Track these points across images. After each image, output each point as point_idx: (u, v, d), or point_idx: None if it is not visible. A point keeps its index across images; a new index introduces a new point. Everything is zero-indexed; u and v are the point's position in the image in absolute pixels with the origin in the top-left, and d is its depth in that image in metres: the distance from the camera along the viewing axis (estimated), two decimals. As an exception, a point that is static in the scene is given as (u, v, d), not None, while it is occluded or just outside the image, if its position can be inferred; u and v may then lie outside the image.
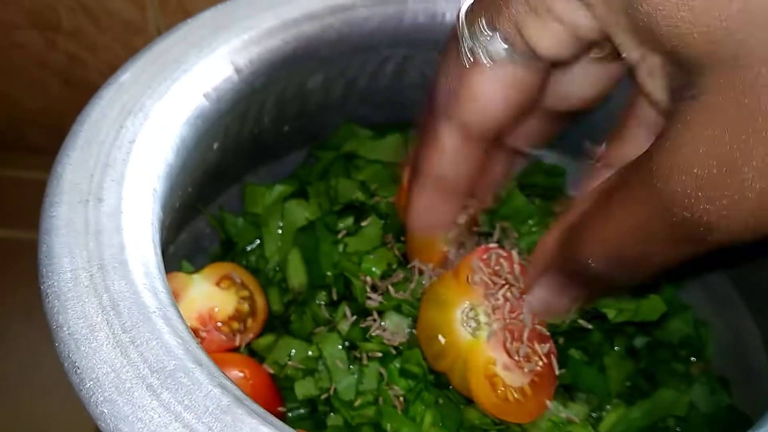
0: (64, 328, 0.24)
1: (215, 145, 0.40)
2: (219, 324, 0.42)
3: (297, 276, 0.44)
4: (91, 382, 0.22)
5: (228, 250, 0.46)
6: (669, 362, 0.44)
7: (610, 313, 0.42)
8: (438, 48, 0.46)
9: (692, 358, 0.44)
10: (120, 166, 0.30)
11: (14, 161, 0.65)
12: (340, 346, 0.39)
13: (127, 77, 0.34)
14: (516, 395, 0.37)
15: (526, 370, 0.38)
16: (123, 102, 0.33)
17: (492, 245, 0.41)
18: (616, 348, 0.43)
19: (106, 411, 0.22)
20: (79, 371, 0.23)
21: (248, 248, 0.45)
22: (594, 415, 0.40)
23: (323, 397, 0.39)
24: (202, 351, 0.25)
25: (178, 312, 0.26)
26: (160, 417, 0.22)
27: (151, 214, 0.29)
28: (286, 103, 0.44)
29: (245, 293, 0.44)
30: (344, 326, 0.41)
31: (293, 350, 0.40)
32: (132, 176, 0.30)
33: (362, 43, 0.43)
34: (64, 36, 0.69)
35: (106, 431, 0.22)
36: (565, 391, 0.41)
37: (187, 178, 0.37)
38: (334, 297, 0.44)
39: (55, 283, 0.25)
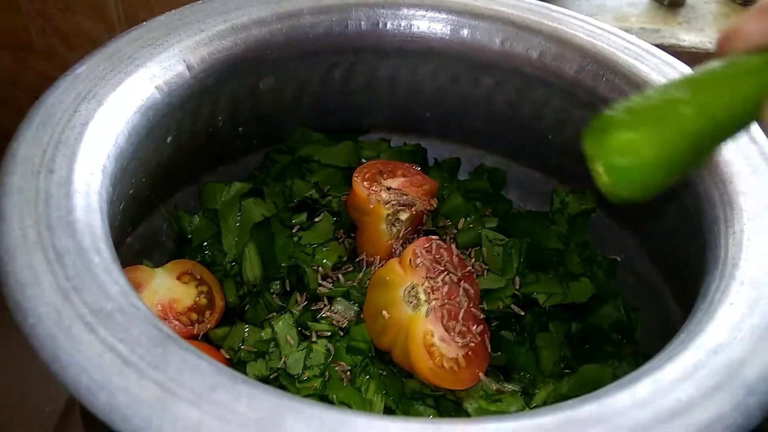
0: (11, 276, 0.26)
1: (168, 139, 0.42)
2: (178, 314, 0.44)
3: (252, 269, 0.46)
4: (33, 319, 0.24)
5: (182, 246, 0.48)
6: (601, 345, 0.46)
7: (541, 298, 0.45)
8: (381, 54, 0.50)
9: (624, 341, 0.47)
10: (72, 144, 0.32)
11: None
12: (291, 324, 0.41)
13: (83, 69, 0.37)
14: (451, 364, 0.39)
15: (460, 344, 0.40)
16: (78, 90, 0.35)
17: (433, 237, 0.44)
18: (550, 331, 0.46)
19: (46, 343, 0.24)
20: (23, 310, 0.24)
21: (204, 244, 0.47)
22: (529, 392, 0.43)
23: (273, 376, 0.41)
24: (140, 300, 0.27)
25: (120, 267, 0.28)
26: (95, 348, 0.24)
27: (100, 186, 0.32)
28: (239, 103, 0.47)
29: (204, 288, 0.46)
30: (296, 310, 0.43)
31: (246, 335, 0.42)
32: (83, 153, 0.32)
33: (309, 48, 0.46)
34: (36, 55, 0.72)
35: (45, 359, 0.23)
36: (501, 372, 0.44)
37: (141, 166, 0.39)
38: (288, 287, 0.46)
39: (5, 239, 0.27)
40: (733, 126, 0.25)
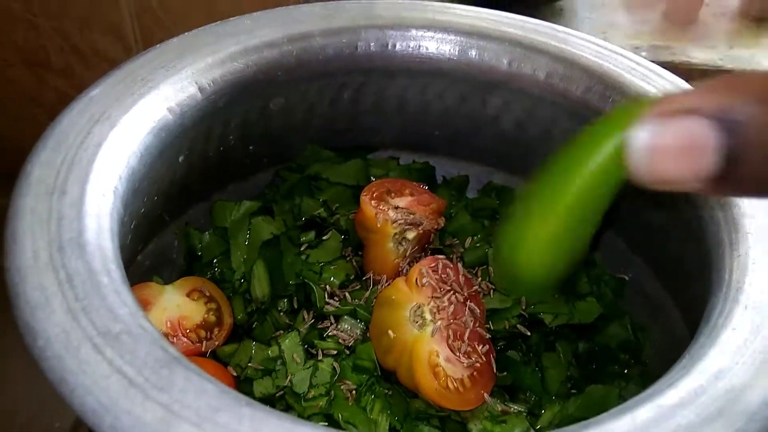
0: (22, 297, 0.26)
1: (180, 158, 0.43)
2: (187, 331, 0.44)
3: (261, 286, 0.47)
4: (43, 341, 0.25)
5: (192, 263, 0.49)
6: (608, 364, 0.46)
7: (547, 318, 0.45)
8: (390, 75, 0.50)
9: (631, 361, 0.47)
10: (85, 165, 0.33)
11: (5, 191, 0.69)
12: (298, 343, 0.41)
13: (97, 92, 0.37)
14: (456, 385, 0.39)
15: (465, 364, 0.40)
16: (92, 112, 0.36)
17: (440, 256, 0.44)
18: (558, 351, 0.46)
19: (54, 365, 0.24)
20: (33, 332, 0.25)
21: (213, 261, 0.48)
22: (535, 413, 0.43)
23: (279, 395, 0.41)
24: (147, 321, 0.27)
25: (129, 289, 0.29)
26: (102, 370, 0.24)
27: (111, 208, 0.32)
28: (250, 124, 0.47)
29: (213, 305, 0.46)
30: (303, 328, 0.44)
31: (254, 352, 0.43)
32: (95, 175, 0.33)
33: (319, 69, 0.47)
34: (54, 73, 0.73)
35: (53, 381, 0.24)
36: (506, 392, 0.44)
37: (153, 185, 0.40)
38: (295, 305, 0.47)
39: (17, 260, 0.28)
40: (607, 193, 0.25)
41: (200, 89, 0.42)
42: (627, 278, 0.51)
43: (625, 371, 0.48)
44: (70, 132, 0.35)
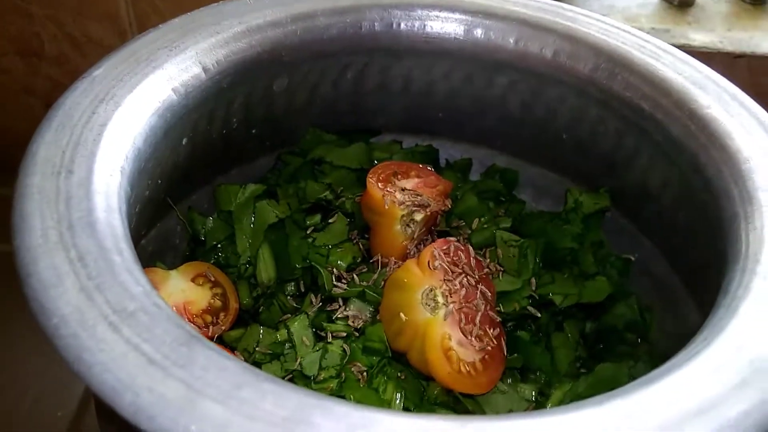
0: (34, 276, 0.26)
1: (184, 140, 0.42)
2: (193, 316, 0.44)
3: (267, 270, 0.46)
4: (57, 319, 0.24)
5: (196, 248, 0.48)
6: (616, 345, 0.46)
7: (557, 299, 0.45)
8: (395, 55, 0.50)
9: (638, 340, 0.47)
10: (91, 145, 0.32)
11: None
12: (307, 325, 0.41)
13: (100, 72, 0.37)
14: (468, 369, 0.39)
15: (477, 348, 0.40)
16: (95, 92, 0.35)
17: (451, 239, 0.44)
18: (566, 331, 0.45)
19: (70, 343, 0.24)
20: (46, 311, 0.24)
21: (217, 245, 0.47)
22: (545, 393, 0.42)
23: (288, 378, 0.40)
24: (162, 300, 0.27)
25: (141, 268, 0.28)
26: (120, 348, 0.24)
27: (119, 187, 0.32)
28: (253, 105, 0.47)
29: (218, 290, 0.46)
30: (311, 312, 0.43)
31: (261, 336, 0.42)
32: (102, 154, 0.32)
33: (323, 49, 0.47)
34: (47, 62, 0.72)
35: (69, 361, 0.23)
36: (518, 374, 0.44)
37: (157, 167, 0.40)
38: (302, 289, 0.46)
39: (27, 239, 0.27)
40: None
41: (204, 69, 0.41)
42: (633, 258, 0.50)
43: (633, 350, 0.47)
44: (74, 112, 0.34)
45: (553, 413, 0.24)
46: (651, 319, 0.48)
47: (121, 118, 0.35)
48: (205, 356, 0.24)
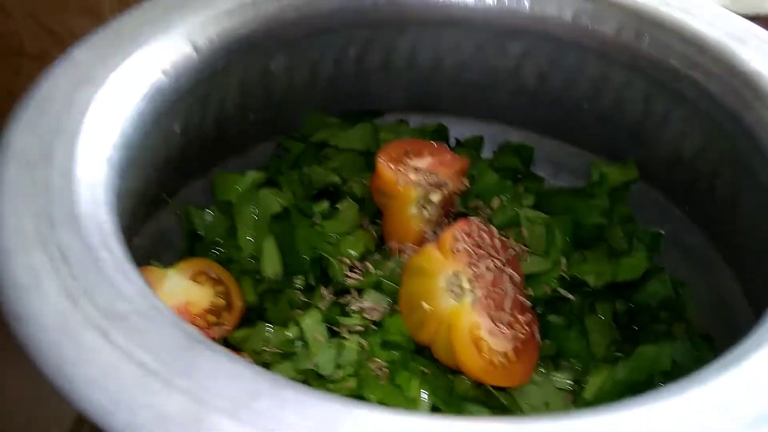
0: (7, 279, 0.22)
1: (177, 128, 0.39)
2: (195, 317, 0.40)
3: (272, 264, 0.42)
4: (34, 328, 0.21)
5: (194, 245, 0.44)
6: (650, 324, 0.43)
7: (590, 279, 0.42)
8: (399, 27, 0.46)
9: (674, 319, 0.43)
10: (72, 132, 0.29)
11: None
12: (320, 320, 0.37)
13: (80, 52, 0.33)
14: (500, 359, 0.36)
15: (509, 336, 0.37)
16: (76, 74, 0.32)
17: (473, 219, 0.41)
18: (598, 313, 0.42)
19: (50, 354, 0.20)
20: (20, 317, 0.21)
21: (217, 240, 0.44)
22: (580, 381, 0.39)
23: (301, 379, 0.37)
24: (160, 300, 0.23)
25: (134, 266, 0.24)
26: (110, 357, 0.20)
27: (106, 178, 0.28)
28: (250, 88, 0.43)
29: (221, 288, 0.42)
30: (323, 306, 0.40)
31: (270, 335, 0.39)
32: (85, 142, 0.29)
33: (322, 24, 0.43)
34: (29, 60, 0.69)
35: (48, 374, 0.20)
36: (551, 361, 0.40)
37: (148, 157, 0.36)
38: (311, 282, 0.42)
39: None
40: None
41: (196, 49, 0.37)
42: (663, 232, 0.47)
43: (670, 329, 0.44)
44: (53, 96, 0.30)
45: (602, 411, 0.21)
46: (686, 294, 0.45)
47: (105, 102, 0.31)
48: (212, 362, 0.21)
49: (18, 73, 0.69)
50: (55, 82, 0.31)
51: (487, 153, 0.52)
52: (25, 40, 0.67)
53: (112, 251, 0.24)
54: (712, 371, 0.23)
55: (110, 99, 0.32)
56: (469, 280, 0.37)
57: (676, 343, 0.42)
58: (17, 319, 0.21)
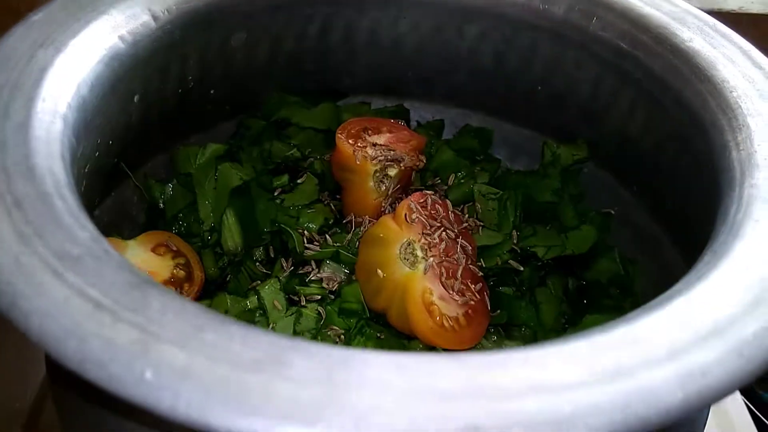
0: (-40, 223, 0.22)
1: (136, 98, 0.39)
2: (154, 289, 0.40)
3: (232, 237, 0.43)
4: (-12, 266, 0.21)
5: (155, 219, 0.45)
6: (600, 299, 0.44)
7: (540, 251, 0.43)
8: (359, 6, 0.47)
9: (622, 295, 0.45)
10: (29, 89, 0.29)
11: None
12: (279, 289, 0.38)
13: (39, 17, 0.33)
14: (451, 323, 0.37)
15: (460, 302, 0.38)
16: (34, 37, 0.32)
17: (428, 192, 0.42)
18: (549, 286, 0.43)
19: (3, 290, 0.21)
20: (-26, 257, 0.21)
21: (178, 215, 0.44)
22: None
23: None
24: (111, 247, 0.24)
25: (87, 215, 0.25)
26: (62, 293, 0.21)
27: (62, 135, 0.29)
28: (210, 62, 0.44)
29: (181, 260, 0.43)
30: (282, 276, 0.40)
31: (229, 305, 0.39)
32: (41, 99, 0.29)
33: (283, -1, 0.44)
34: None
35: (2, 309, 0.20)
36: (502, 330, 0.41)
37: (107, 125, 0.36)
38: (271, 254, 0.43)
39: (-48, 186, 0.24)
40: None
41: (154, 17, 0.38)
42: (613, 212, 0.49)
43: (618, 304, 0.46)
44: (11, 56, 0.31)
45: (558, 343, 0.22)
46: (634, 271, 0.47)
47: (63, 64, 0.31)
48: (161, 300, 0.21)
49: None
50: (14, 45, 0.31)
51: (448, 137, 0.54)
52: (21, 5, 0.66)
53: (66, 199, 0.25)
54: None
55: (68, 61, 0.32)
56: (423, 249, 0.38)
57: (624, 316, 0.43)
58: (-30, 259, 0.21)
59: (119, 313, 0.20)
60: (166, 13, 0.38)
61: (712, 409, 0.36)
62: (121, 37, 0.36)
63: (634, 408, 0.19)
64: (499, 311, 0.41)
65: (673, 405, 0.20)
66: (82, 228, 0.24)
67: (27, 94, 0.29)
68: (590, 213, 0.48)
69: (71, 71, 0.32)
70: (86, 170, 0.35)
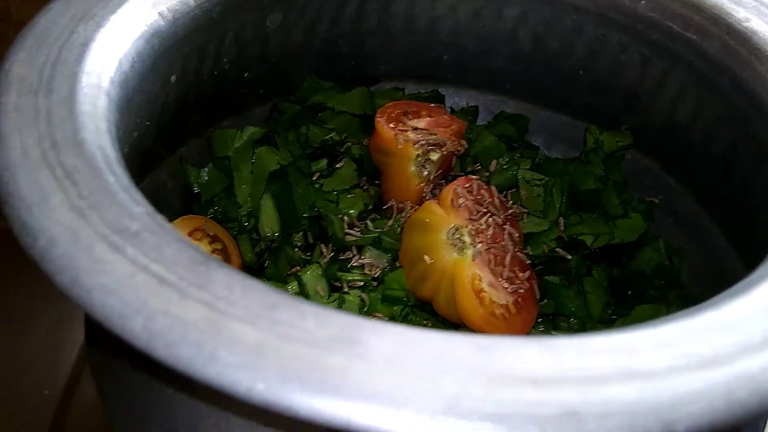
0: (15, 195, 0.21)
1: (173, 77, 0.38)
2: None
3: (270, 222, 0.42)
4: (45, 241, 0.20)
5: (190, 204, 0.44)
6: (645, 290, 0.43)
7: (588, 239, 0.42)
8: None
9: (667, 285, 0.44)
10: (72, 65, 0.28)
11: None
12: (320, 275, 0.37)
13: (78, -8, 0.32)
14: (501, 311, 0.36)
15: (509, 290, 0.37)
16: (73, 12, 0.31)
17: (473, 177, 0.41)
18: (594, 276, 0.42)
19: (63, 265, 0.19)
20: (32, 230, 0.20)
21: (214, 199, 0.43)
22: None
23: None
24: (167, 222, 0.23)
25: (140, 192, 0.24)
26: (124, 269, 0.20)
27: (107, 111, 0.27)
28: (246, 43, 0.43)
29: (218, 245, 0.41)
30: (323, 262, 0.39)
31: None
32: (84, 75, 0.28)
33: (321, -21, 0.42)
34: (15, 27, 0.67)
35: (63, 285, 0.19)
36: (550, 321, 0.40)
37: (145, 104, 0.35)
38: (310, 240, 0.42)
39: (5, 158, 0.23)
40: None
41: (193, -6, 0.37)
42: (657, 201, 0.47)
43: (663, 296, 0.44)
44: (51, 31, 0.30)
45: (640, 328, 0.21)
46: (680, 262, 0.45)
47: (104, 39, 0.30)
48: (227, 277, 0.20)
49: (4, 41, 0.68)
50: (53, 19, 0.30)
51: (482, 123, 0.52)
52: (12, 6, 0.66)
53: (117, 175, 0.24)
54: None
55: (109, 36, 0.31)
56: (471, 235, 0.37)
57: (671, 308, 0.42)
58: (27, 233, 0.20)
59: (185, 290, 0.19)
60: (204, -10, 0.37)
61: None
62: (161, 14, 0.34)
63: (738, 395, 0.18)
64: (546, 300, 0.40)
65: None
66: (136, 203, 0.23)
67: (70, 68, 0.28)
68: (634, 201, 0.47)
69: (113, 46, 0.31)
70: (125, 151, 0.34)
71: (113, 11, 0.32)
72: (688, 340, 0.20)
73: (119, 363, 0.28)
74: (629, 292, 0.45)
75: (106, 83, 0.29)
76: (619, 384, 0.18)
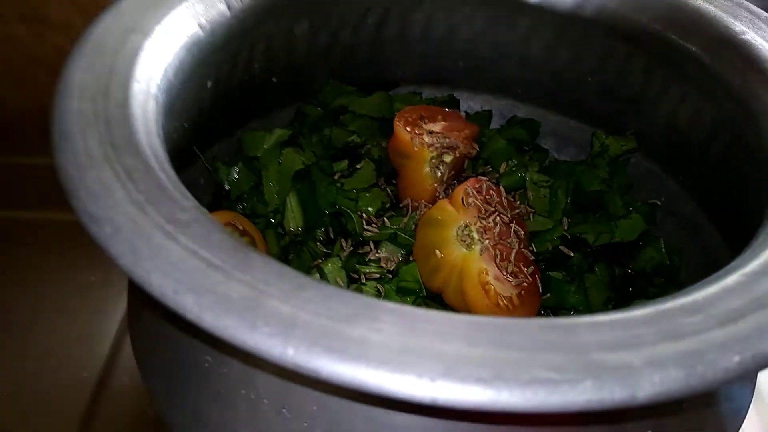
0: (81, 189, 0.25)
1: (209, 83, 0.41)
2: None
3: (294, 218, 0.45)
4: (111, 229, 0.23)
5: (220, 199, 0.47)
6: (645, 288, 0.46)
7: (590, 238, 0.45)
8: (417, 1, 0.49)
9: (667, 284, 0.46)
10: (125, 72, 0.32)
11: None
12: (340, 267, 0.40)
13: (126, 4, 0.36)
14: (506, 303, 0.39)
15: (514, 283, 0.40)
16: (124, 23, 0.34)
17: (483, 177, 0.44)
18: (596, 273, 0.45)
19: (126, 250, 0.23)
20: (98, 220, 0.24)
21: (242, 196, 0.46)
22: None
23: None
24: (212, 216, 0.26)
25: (186, 190, 0.27)
26: (178, 254, 0.23)
27: (156, 115, 0.31)
28: (275, 50, 0.46)
29: (247, 239, 0.45)
30: (343, 256, 0.42)
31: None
32: (135, 82, 0.32)
33: (345, -9, 0.46)
34: (53, 28, 0.71)
35: (126, 267, 0.23)
36: (552, 314, 0.43)
37: (184, 109, 0.39)
38: (331, 235, 0.45)
39: (72, 157, 0.26)
40: None
41: (229, 6, 0.40)
42: (659, 203, 0.50)
43: (663, 293, 0.47)
44: (106, 41, 0.33)
45: (616, 313, 0.24)
46: (680, 261, 0.48)
47: (151, 48, 0.34)
48: (264, 263, 0.23)
49: (41, 41, 0.72)
50: (107, 29, 0.34)
51: (495, 127, 0.55)
52: (51, 6, 0.69)
53: (168, 173, 0.27)
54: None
55: (155, 46, 0.34)
56: (479, 232, 0.40)
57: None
58: (94, 222, 0.24)
59: (229, 272, 0.23)
60: (239, 2, 0.40)
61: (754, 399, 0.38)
62: (200, 25, 0.38)
63: (759, 346, 0.21)
64: (549, 294, 0.43)
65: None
66: (185, 198, 0.26)
67: (123, 76, 0.31)
68: (637, 203, 0.49)
69: (159, 56, 0.34)
70: (167, 150, 0.38)
71: (158, 22, 0.36)
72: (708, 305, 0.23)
73: (162, 340, 0.31)
74: (630, 290, 0.47)
75: (153, 89, 0.32)
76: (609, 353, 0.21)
